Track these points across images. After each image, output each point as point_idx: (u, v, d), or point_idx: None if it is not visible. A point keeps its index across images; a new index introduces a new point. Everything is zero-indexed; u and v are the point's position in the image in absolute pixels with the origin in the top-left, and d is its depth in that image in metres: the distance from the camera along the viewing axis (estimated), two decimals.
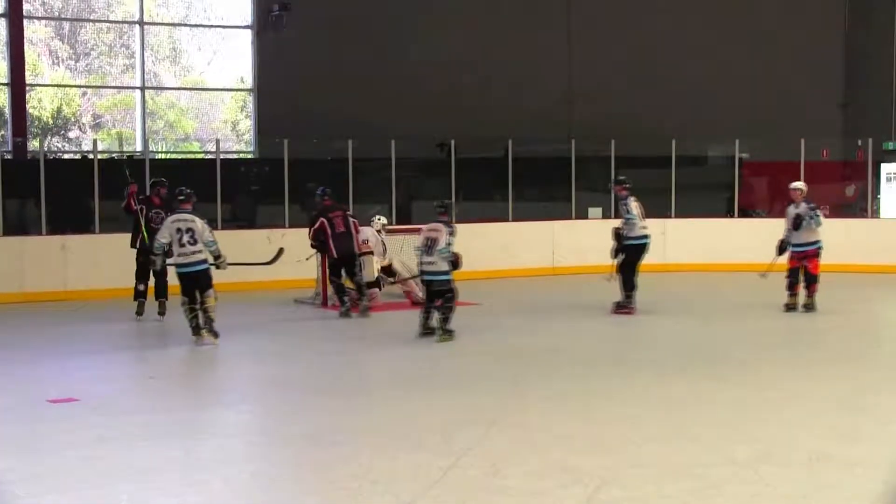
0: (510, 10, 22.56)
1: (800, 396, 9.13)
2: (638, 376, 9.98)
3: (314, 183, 15.94)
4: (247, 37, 21.97)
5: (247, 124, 22.97)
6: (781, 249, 14.03)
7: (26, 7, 20.54)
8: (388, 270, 15.58)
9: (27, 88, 20.72)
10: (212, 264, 12.11)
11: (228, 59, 22.86)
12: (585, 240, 18.60)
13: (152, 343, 12.51)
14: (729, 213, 20.02)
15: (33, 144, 20.32)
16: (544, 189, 20.53)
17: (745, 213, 20.29)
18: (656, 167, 19.80)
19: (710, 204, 20.28)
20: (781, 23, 24.04)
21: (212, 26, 22.82)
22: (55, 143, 22.39)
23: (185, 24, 22.95)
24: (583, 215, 19.89)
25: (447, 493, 6.40)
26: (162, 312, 13.74)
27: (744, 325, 13.25)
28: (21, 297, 15.71)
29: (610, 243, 13.93)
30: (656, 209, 18.58)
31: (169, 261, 12.28)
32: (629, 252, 14.02)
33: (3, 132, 20.96)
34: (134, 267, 13.83)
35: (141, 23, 21.50)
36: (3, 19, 20.36)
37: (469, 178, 18.71)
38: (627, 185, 14.28)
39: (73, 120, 22.74)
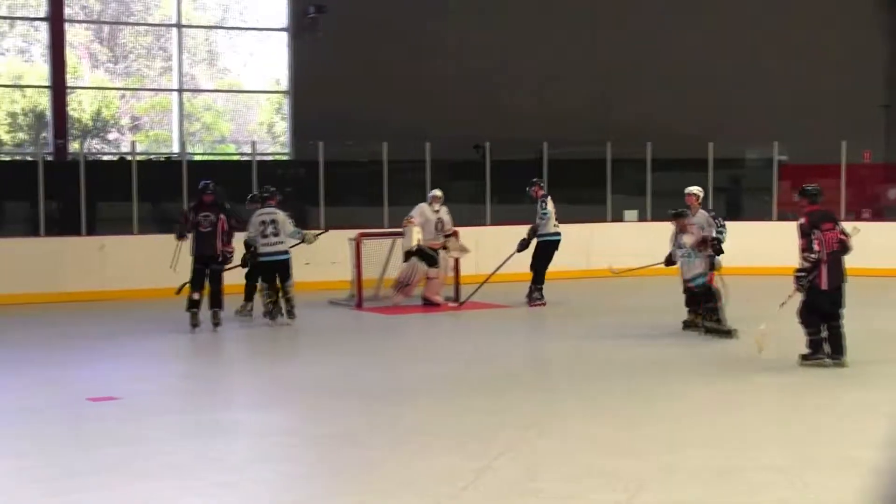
0: (545, 11, 22.47)
1: (842, 402, 9.03)
2: (676, 379, 9.91)
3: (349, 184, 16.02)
4: (282, 39, 22.03)
5: (282, 126, 23.04)
6: (669, 262, 12.71)
7: (67, 11, 20.70)
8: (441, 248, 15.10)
9: (68, 91, 20.89)
10: (294, 245, 13.60)
11: (264, 62, 22.94)
12: (622, 242, 18.50)
13: (190, 344, 12.53)
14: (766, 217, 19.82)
15: (73, 146, 20.49)
16: (579, 192, 20.43)
17: (784, 217, 20.07)
18: (693, 170, 19.65)
19: (747, 207, 20.10)
20: (822, 23, 23.80)
21: (248, 29, 22.91)
22: (94, 144, 22.56)
23: (222, 27, 23.05)
24: (618, 218, 19.79)
25: (480, 495, 6.37)
26: (217, 323, 12.83)
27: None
28: (60, 297, 15.83)
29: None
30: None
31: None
32: (543, 247, 15.12)
33: (44, 134, 21.16)
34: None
35: (178, 25, 21.63)
36: (44, 23, 20.55)
37: (504, 181, 18.64)
38: (542, 185, 15.49)
39: (111, 122, 22.90)
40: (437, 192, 15.21)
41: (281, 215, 13.47)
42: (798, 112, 22.73)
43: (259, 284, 13.78)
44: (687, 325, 12.50)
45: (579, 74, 22.67)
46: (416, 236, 14.71)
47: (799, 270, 10.09)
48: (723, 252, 12.42)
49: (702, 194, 12.82)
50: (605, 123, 21.50)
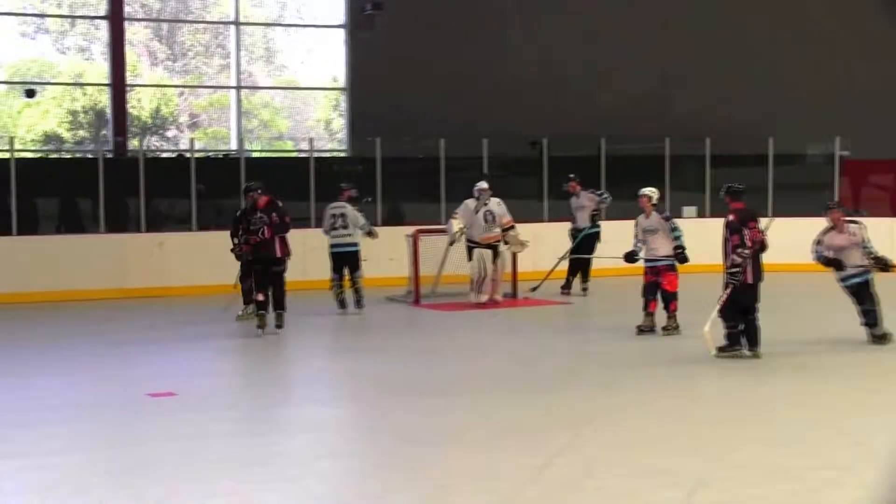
0: (603, 6, 22.35)
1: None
2: (734, 376, 9.82)
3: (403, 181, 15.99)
4: (340, 36, 22.12)
5: (340, 123, 23.14)
6: (629, 258, 12.42)
7: (126, 9, 20.95)
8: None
9: (127, 89, 21.14)
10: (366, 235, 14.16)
11: (321, 59, 23.06)
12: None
13: (248, 339, 12.60)
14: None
15: (133, 143, 20.72)
16: (638, 188, 20.26)
17: (846, 213, 19.82)
18: (753, 166, 19.47)
19: (809, 203, 19.84)
20: (884, 17, 23.42)
21: (305, 26, 23.04)
22: (153, 142, 22.81)
23: (280, 24, 23.21)
24: (677, 214, 19.62)
25: (540, 493, 6.36)
26: (280, 325, 12.50)
27: (845, 327, 12.90)
28: (121, 293, 16.03)
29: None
30: (753, 208, 18.25)
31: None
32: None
33: (104, 132, 21.42)
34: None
35: (236, 23, 21.79)
36: (105, 21, 20.81)
37: (562, 177, 18.60)
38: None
39: (170, 119, 23.15)
40: (483, 185, 14.94)
41: (350, 209, 14.07)
42: (860, 107, 22.38)
43: (331, 277, 14.15)
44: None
45: (637, 70, 22.51)
46: (456, 225, 14.69)
47: (732, 266, 10.47)
48: (687, 259, 12.27)
49: (655, 196, 12.45)
50: (663, 119, 21.34)
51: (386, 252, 16.21)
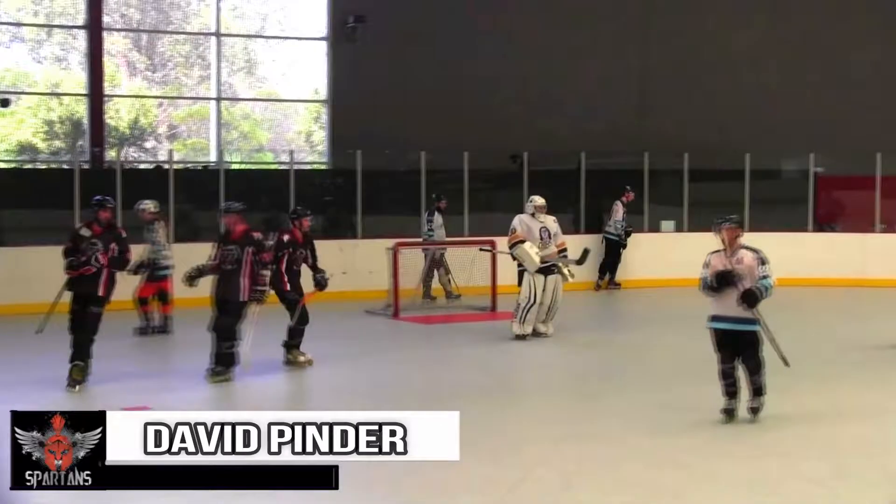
0: (583, 22, 22.46)
1: (876, 413, 8.97)
2: (709, 390, 9.87)
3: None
4: (321, 48, 22.14)
5: (321, 135, 23.14)
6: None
7: (105, 19, 20.90)
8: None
9: (105, 99, 21.08)
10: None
11: (303, 71, 23.06)
12: (659, 253, 18.61)
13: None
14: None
15: (110, 154, 20.64)
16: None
17: (821, 228, 20.04)
18: (729, 181, 19.63)
19: (784, 218, 20.02)
20: (857, 35, 23.66)
21: (287, 38, 23.03)
22: (131, 153, 22.74)
23: (261, 36, 23.19)
24: (655, 228, 19.76)
25: None
26: (80, 380, 10.02)
27: (819, 340, 13.01)
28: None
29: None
30: None
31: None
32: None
33: (81, 142, 21.35)
34: None
35: (217, 34, 21.78)
36: (83, 31, 20.76)
37: (542, 191, 18.64)
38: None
39: (149, 130, 23.09)
40: (540, 201, 13.06)
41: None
42: (834, 124, 22.60)
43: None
44: None
45: (617, 85, 22.65)
46: (532, 252, 12.63)
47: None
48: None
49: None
50: (642, 134, 21.47)
51: (366, 265, 16.22)
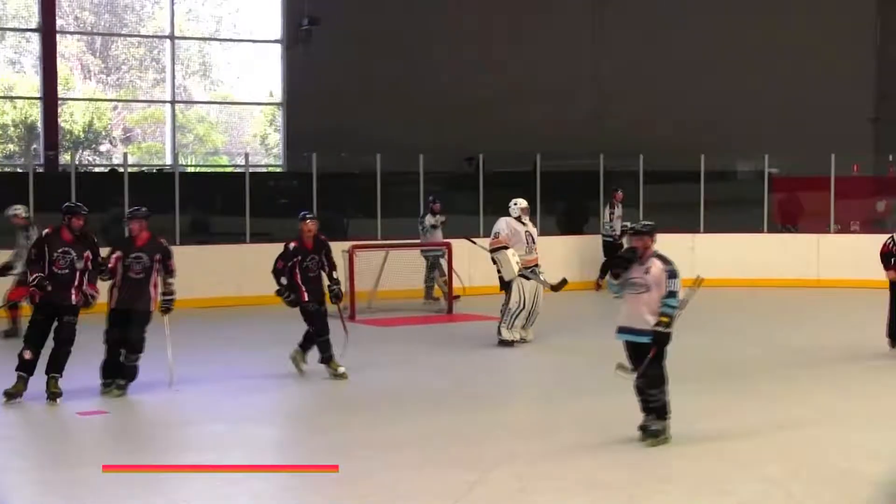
0: (539, 25, 22.55)
1: (830, 413, 9.06)
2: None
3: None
4: (276, 51, 22.06)
5: (276, 138, 23.07)
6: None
7: (59, 22, 20.72)
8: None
9: (59, 102, 20.89)
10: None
11: (258, 74, 22.97)
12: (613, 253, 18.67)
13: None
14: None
15: (65, 158, 20.45)
16: (572, 203, 20.49)
17: (776, 229, 20.17)
18: (685, 182, 19.74)
19: (739, 219, 20.17)
20: (812, 37, 23.91)
21: (241, 41, 22.93)
22: (86, 156, 22.54)
23: (215, 39, 23.08)
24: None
25: None
26: (56, 393, 9.53)
27: (773, 341, 13.13)
28: None
29: None
30: (685, 224, 18.54)
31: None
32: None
33: (35, 146, 21.14)
34: None
35: (171, 37, 21.63)
36: (36, 34, 20.55)
37: (497, 193, 18.67)
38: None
39: (104, 133, 22.90)
40: (524, 203, 12.67)
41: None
42: (788, 125, 22.84)
43: None
44: None
45: (573, 87, 22.74)
46: (513, 261, 12.22)
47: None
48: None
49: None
50: (598, 136, 21.54)
51: None
